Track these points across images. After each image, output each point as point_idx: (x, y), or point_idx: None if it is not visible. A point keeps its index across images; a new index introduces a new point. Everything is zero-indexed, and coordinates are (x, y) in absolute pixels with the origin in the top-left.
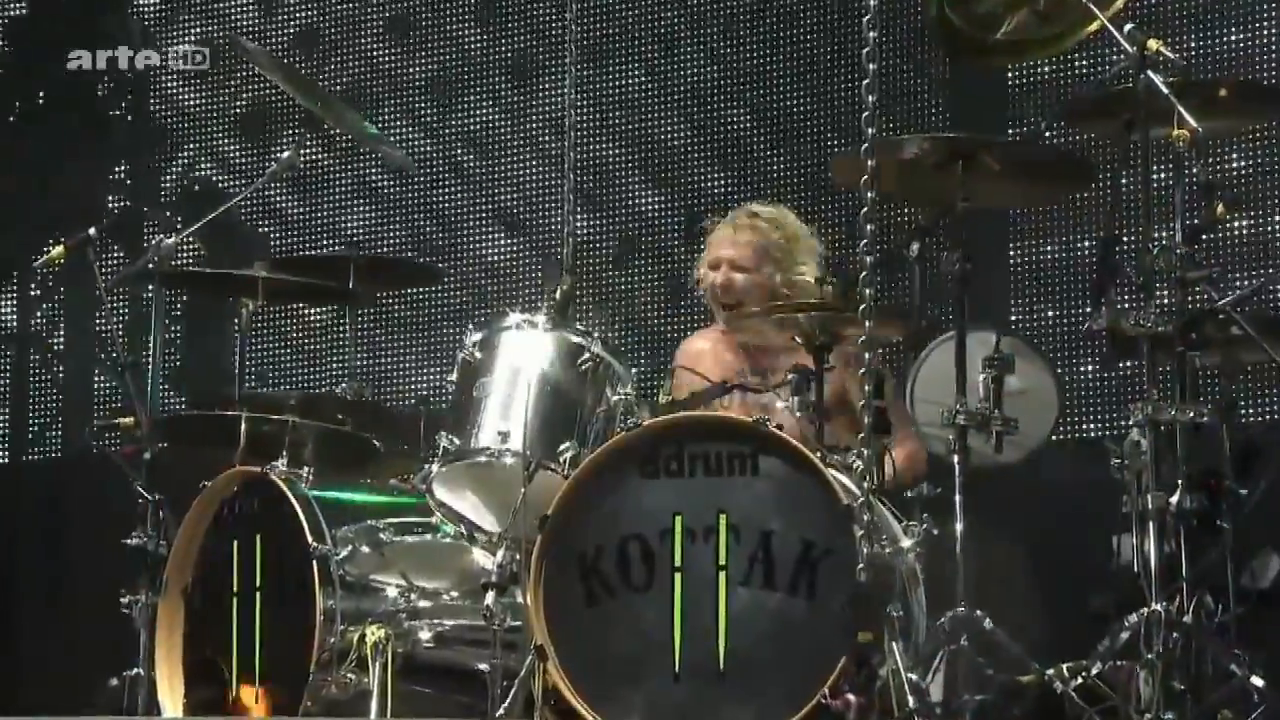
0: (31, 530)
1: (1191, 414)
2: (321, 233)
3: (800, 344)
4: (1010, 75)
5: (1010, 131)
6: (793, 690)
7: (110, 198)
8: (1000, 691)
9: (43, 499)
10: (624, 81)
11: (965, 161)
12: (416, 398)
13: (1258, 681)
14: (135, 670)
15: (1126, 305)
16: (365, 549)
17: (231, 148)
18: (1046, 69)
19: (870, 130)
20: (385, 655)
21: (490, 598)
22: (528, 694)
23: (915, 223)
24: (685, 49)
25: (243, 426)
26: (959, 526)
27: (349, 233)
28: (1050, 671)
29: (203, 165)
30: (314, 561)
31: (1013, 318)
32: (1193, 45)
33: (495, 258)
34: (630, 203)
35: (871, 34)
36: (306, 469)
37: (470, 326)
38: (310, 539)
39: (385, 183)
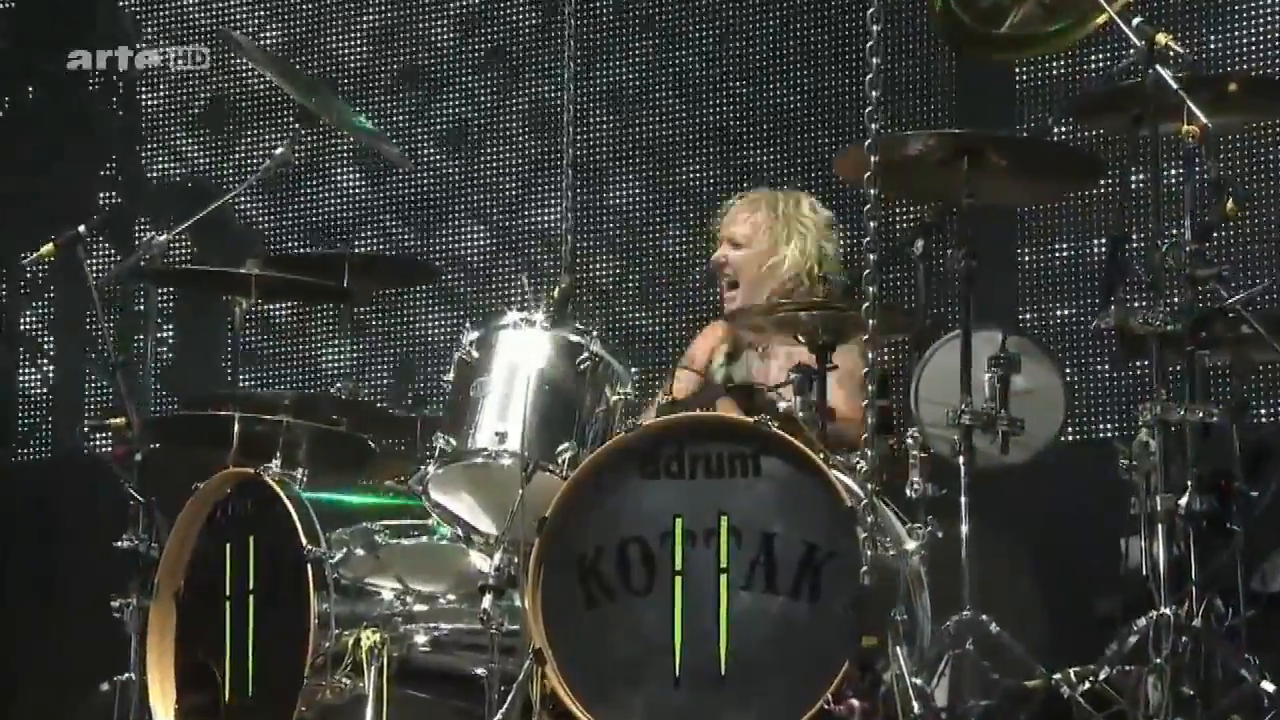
0: (21, 532)
1: (1201, 414)
2: (315, 230)
3: (803, 342)
4: (1018, 71)
5: (1018, 128)
6: (795, 695)
7: (100, 194)
8: (1006, 696)
9: (32, 500)
10: (624, 78)
11: (971, 158)
12: (412, 398)
13: (1268, 686)
14: (126, 675)
15: (1135, 304)
16: (360, 552)
17: (223, 144)
18: (1055, 64)
19: (874, 126)
20: (381, 660)
21: (487, 601)
22: (526, 699)
23: (920, 220)
24: (685, 45)
25: (236, 427)
26: (964, 528)
27: (343, 230)
28: (1057, 676)
29: (194, 162)
30: (308, 564)
31: (1024, 316)
32: (1211, 39)
33: (493, 255)
34: (630, 202)
35: (875, 27)
36: (300, 470)
37: (467, 325)
38: (304, 541)
39: (380, 179)
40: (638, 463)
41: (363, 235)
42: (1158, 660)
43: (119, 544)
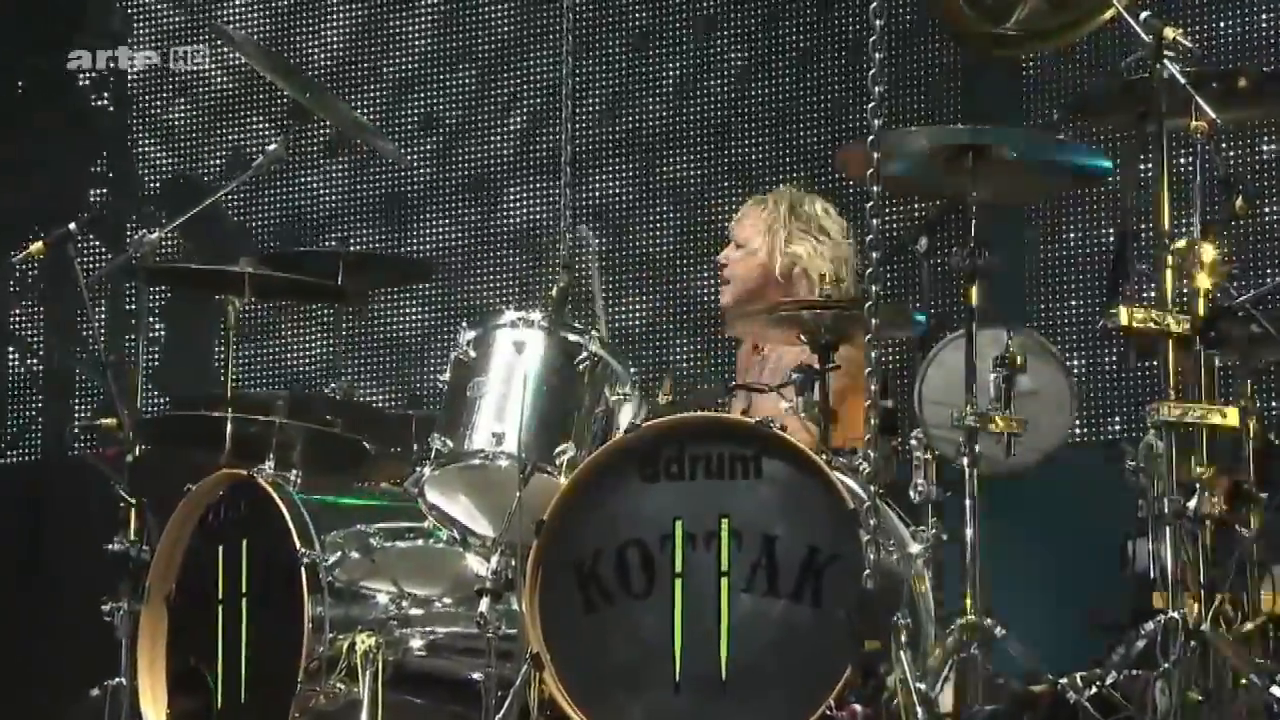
0: (10, 535)
1: (1210, 415)
2: (310, 228)
3: (804, 342)
4: (1024, 66)
5: (1024, 124)
6: (797, 701)
7: (91, 191)
8: (1012, 701)
9: (21, 502)
10: (623, 74)
11: (976, 155)
12: (408, 398)
13: (1278, 692)
14: (117, 680)
15: (1142, 302)
16: (355, 554)
17: (216, 140)
18: (1061, 59)
19: (876, 122)
20: (376, 664)
21: (484, 605)
22: (523, 704)
23: (924, 217)
24: (685, 39)
25: (228, 428)
26: (969, 531)
27: (338, 228)
28: (1063, 681)
29: (186, 158)
30: (302, 567)
31: (1035, 310)
32: (1220, 33)
33: (490, 253)
34: (629, 200)
35: (878, 22)
36: (294, 472)
37: (464, 324)
38: (298, 544)
39: (375, 176)
40: (637, 464)
41: (355, 232)
42: (1165, 665)
43: (110, 547)
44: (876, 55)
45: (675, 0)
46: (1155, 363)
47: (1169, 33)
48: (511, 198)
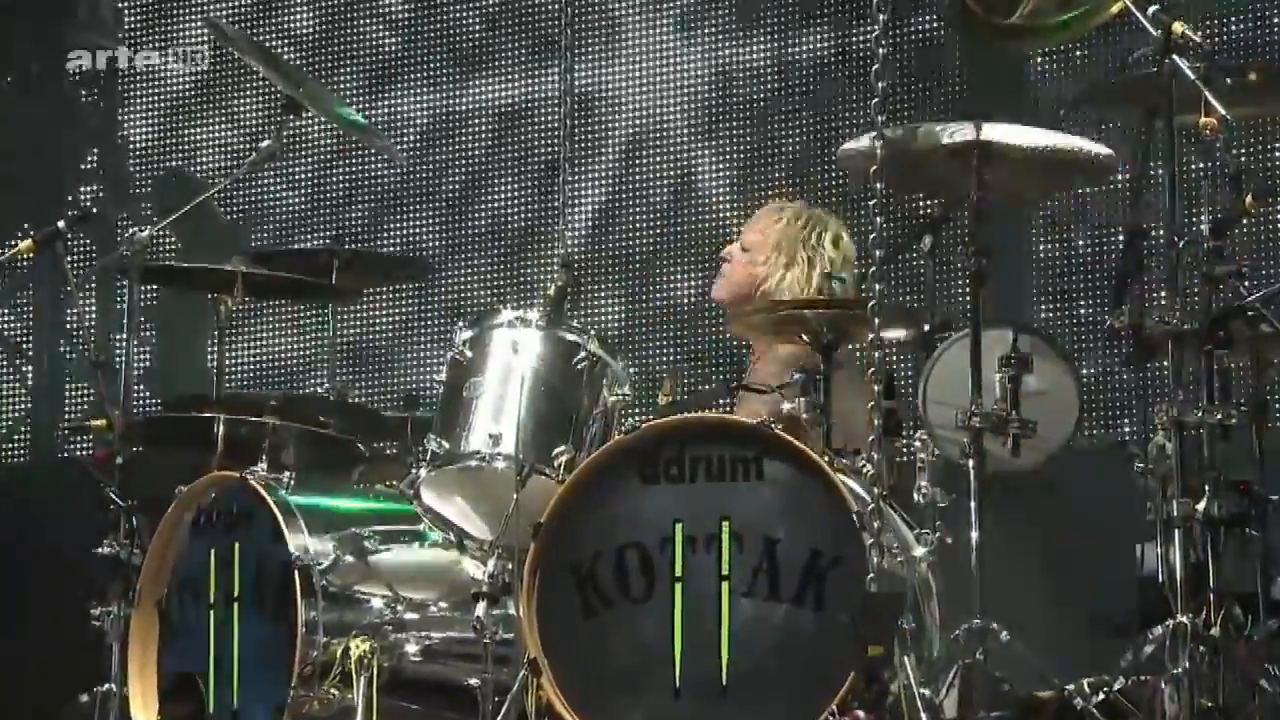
0: None
1: (1219, 416)
2: (304, 226)
3: (806, 341)
4: (1031, 61)
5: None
6: (799, 707)
7: (81, 189)
8: (1018, 708)
9: (10, 505)
10: (621, 69)
11: (981, 151)
12: (403, 398)
13: None
14: (107, 686)
15: (1151, 302)
16: (349, 558)
17: (208, 136)
18: (1069, 54)
19: (880, 118)
20: (370, 670)
21: (481, 609)
22: (520, 710)
23: (928, 215)
24: (685, 35)
25: (220, 429)
26: (974, 534)
27: (332, 226)
28: (1070, 687)
29: (178, 154)
30: (295, 571)
31: (1039, 312)
32: (1230, 27)
33: (487, 251)
34: (629, 196)
35: (882, 16)
36: (287, 473)
37: (460, 323)
38: (291, 547)
39: (370, 173)
40: (636, 466)
41: (350, 230)
42: (1175, 670)
43: (99, 550)
44: (880, 50)
45: None
46: (1164, 363)
47: (1178, 27)
48: (509, 195)
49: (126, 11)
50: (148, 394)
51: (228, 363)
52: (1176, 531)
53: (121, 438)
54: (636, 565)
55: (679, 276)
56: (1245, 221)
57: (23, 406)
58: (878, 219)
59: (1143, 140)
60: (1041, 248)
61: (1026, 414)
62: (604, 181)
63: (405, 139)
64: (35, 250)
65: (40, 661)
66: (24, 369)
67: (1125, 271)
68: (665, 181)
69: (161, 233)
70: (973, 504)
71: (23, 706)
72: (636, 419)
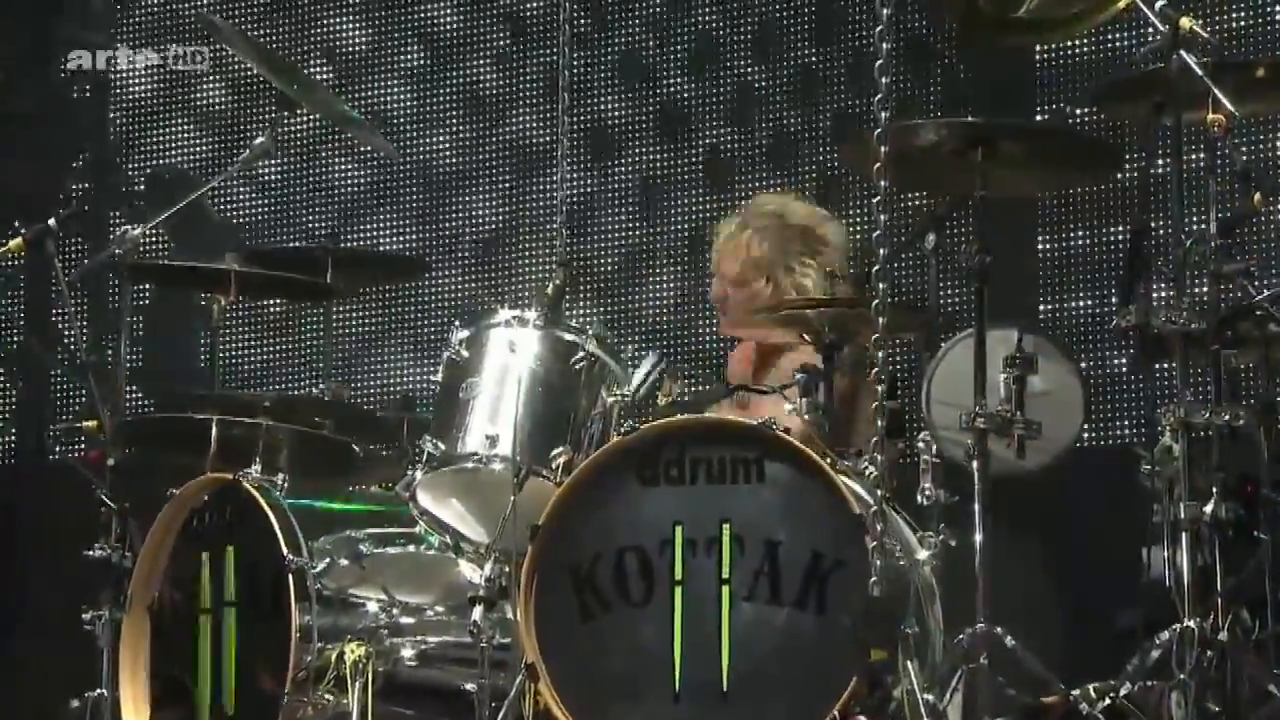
0: None
1: (1227, 417)
2: (298, 224)
3: (809, 341)
4: (1039, 57)
5: (1038, 116)
6: (800, 712)
7: (72, 186)
8: (1022, 713)
9: None
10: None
11: (985, 148)
12: (399, 399)
13: None
14: (98, 691)
15: (1157, 301)
16: (344, 561)
17: (201, 133)
18: (1077, 50)
19: (884, 114)
20: (365, 675)
21: (478, 613)
22: (518, 716)
23: (931, 212)
24: (684, 29)
25: (213, 430)
26: (978, 537)
27: (327, 224)
28: (1076, 692)
29: (170, 151)
30: (289, 575)
31: (1041, 311)
32: (1239, 22)
33: (484, 250)
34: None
35: (885, 10)
36: (281, 476)
37: (456, 323)
38: (285, 550)
39: (366, 170)
40: (636, 467)
41: (344, 229)
42: (1182, 676)
43: (90, 553)
44: (884, 45)
45: None
46: (1171, 364)
47: (1185, 23)
48: (507, 193)
49: (118, 6)
50: (139, 395)
51: (221, 363)
52: (1183, 534)
53: (113, 439)
54: (636, 568)
55: (678, 275)
56: (1253, 219)
57: (12, 407)
58: (882, 216)
59: (1149, 137)
60: (1046, 247)
61: (1031, 415)
62: (603, 179)
63: (401, 135)
64: (25, 248)
65: (31, 666)
66: (13, 369)
67: (1131, 270)
68: (664, 179)
69: (153, 231)
70: (977, 506)
71: (13, 711)
72: (635, 420)
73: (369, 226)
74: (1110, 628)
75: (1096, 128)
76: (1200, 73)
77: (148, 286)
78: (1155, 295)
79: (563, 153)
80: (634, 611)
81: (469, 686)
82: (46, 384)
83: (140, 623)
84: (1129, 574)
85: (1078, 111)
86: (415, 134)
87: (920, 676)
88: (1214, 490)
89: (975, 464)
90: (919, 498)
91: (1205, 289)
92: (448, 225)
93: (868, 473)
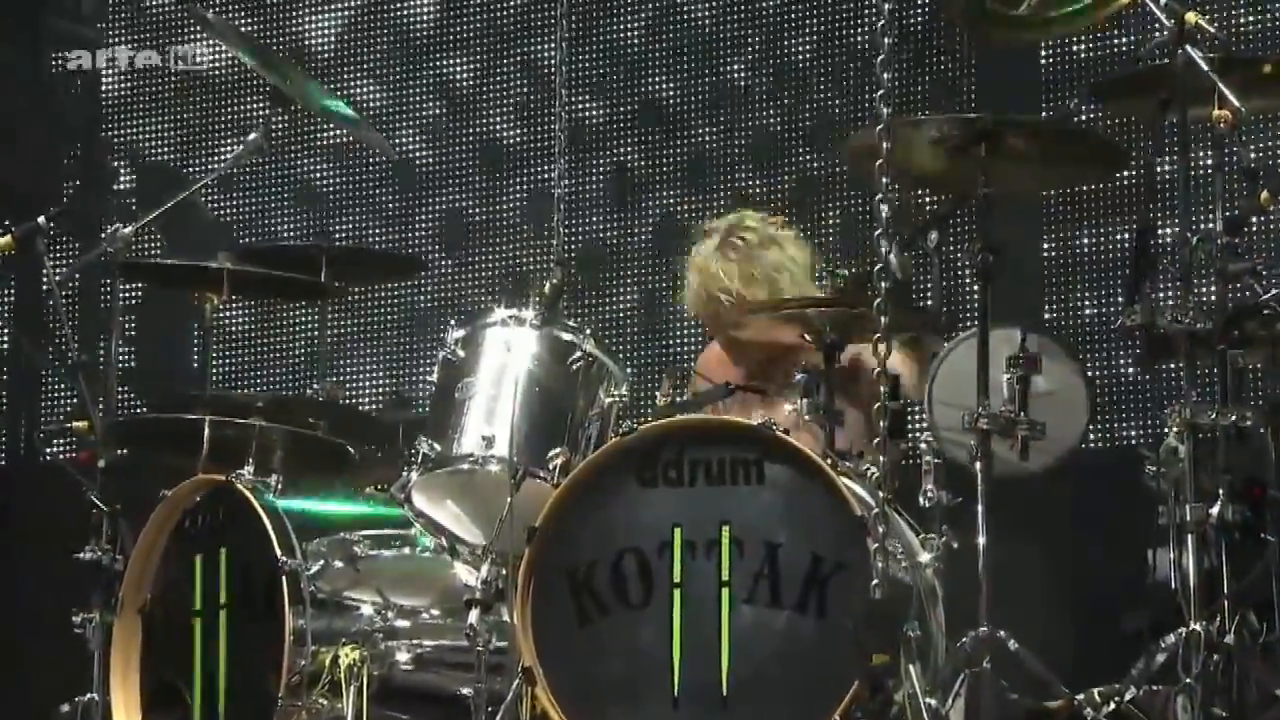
0: None
1: (1234, 418)
2: (292, 222)
3: (810, 341)
4: (1044, 55)
5: (1043, 114)
6: (801, 716)
7: (63, 184)
8: (1026, 718)
9: None
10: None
11: (988, 145)
12: (394, 399)
13: None
14: (89, 696)
15: (1163, 300)
16: (338, 564)
17: (194, 130)
18: (1080, 46)
19: (886, 110)
20: (360, 679)
21: (474, 616)
22: None
23: (935, 211)
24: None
25: (206, 431)
26: (981, 540)
27: (321, 222)
28: (1080, 697)
29: (162, 149)
30: (283, 577)
31: (1047, 313)
32: (1245, 18)
33: (480, 248)
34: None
35: (887, 5)
36: (275, 477)
37: (452, 322)
38: (279, 553)
39: (362, 167)
40: (634, 469)
41: (339, 227)
42: (1187, 680)
43: (81, 555)
44: (886, 41)
45: None
46: (1177, 364)
47: (1191, 17)
48: (504, 190)
49: (109, 2)
50: (131, 395)
51: (214, 363)
52: (1189, 537)
53: (104, 440)
54: (634, 571)
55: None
56: (1260, 217)
57: (1, 408)
58: (884, 214)
59: (1155, 134)
60: (1049, 247)
61: (1035, 415)
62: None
63: (396, 133)
64: (14, 247)
65: (21, 670)
66: (2, 370)
67: (1137, 269)
68: (662, 175)
69: (145, 229)
70: (980, 508)
71: (3, 716)
72: (634, 420)
73: (363, 224)
74: (1115, 631)
75: (1102, 126)
76: (1206, 68)
77: (139, 285)
78: (1161, 294)
79: (561, 149)
80: (632, 614)
81: (465, 691)
82: (37, 384)
83: (132, 626)
84: (1134, 577)
85: (1083, 109)
86: (409, 129)
87: (922, 680)
88: (1220, 492)
89: (978, 465)
90: (921, 499)
91: (1212, 288)
92: (445, 223)
93: (869, 474)
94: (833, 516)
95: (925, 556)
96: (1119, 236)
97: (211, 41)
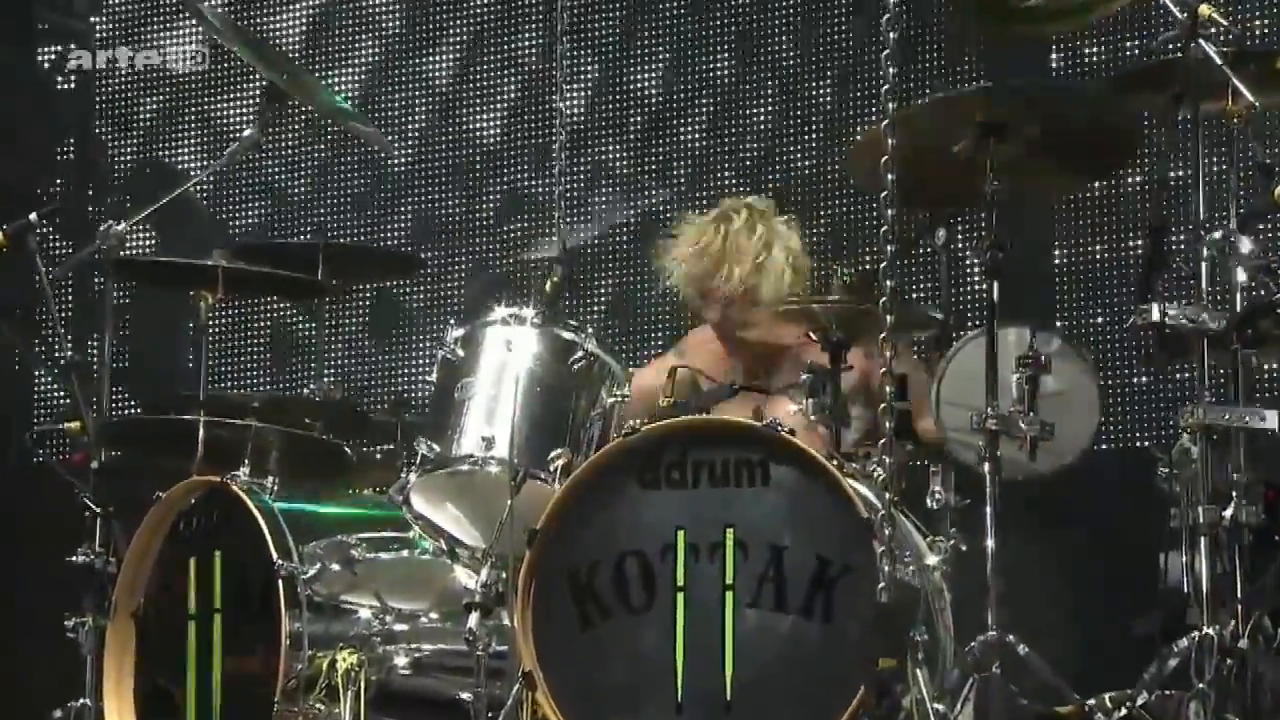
0: None
1: (1247, 418)
2: (288, 219)
3: (815, 340)
4: (1054, 51)
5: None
6: None
7: (55, 180)
8: None
9: None
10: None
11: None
12: (393, 400)
13: None
14: (82, 701)
15: (1175, 300)
16: (336, 567)
17: (188, 125)
18: (1091, 41)
19: (891, 105)
20: (358, 684)
21: (473, 620)
22: None
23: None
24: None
25: (200, 431)
26: (990, 542)
27: (318, 219)
28: (1091, 702)
29: (156, 145)
30: (279, 580)
31: (1058, 321)
32: (1258, 12)
33: (479, 246)
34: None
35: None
36: (271, 478)
37: (452, 321)
38: (275, 555)
39: (358, 164)
40: (636, 470)
41: (336, 224)
42: (1200, 685)
43: (74, 558)
44: (891, 35)
45: None
46: (1190, 364)
47: (1204, 9)
48: (502, 187)
49: None
50: (124, 395)
51: (209, 362)
52: (1202, 539)
53: (96, 441)
54: (636, 574)
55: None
56: (1275, 214)
57: None
58: (889, 211)
59: (1166, 129)
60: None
61: (1044, 416)
62: (598, 174)
63: (394, 128)
64: (6, 244)
65: (13, 675)
66: None
67: (1148, 269)
68: (661, 171)
69: (139, 226)
70: (988, 510)
71: None
72: (636, 421)
73: (361, 222)
74: (1126, 635)
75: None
76: (1219, 61)
77: (133, 283)
78: (1174, 293)
79: (561, 144)
80: (635, 618)
81: (464, 696)
82: (28, 384)
83: (125, 630)
84: (1146, 580)
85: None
86: (405, 124)
87: (930, 686)
88: (1234, 493)
89: (986, 467)
90: (929, 501)
91: (1225, 287)
92: (442, 221)
93: (875, 475)
94: (839, 519)
95: (933, 559)
96: (1132, 243)
97: (207, 35)
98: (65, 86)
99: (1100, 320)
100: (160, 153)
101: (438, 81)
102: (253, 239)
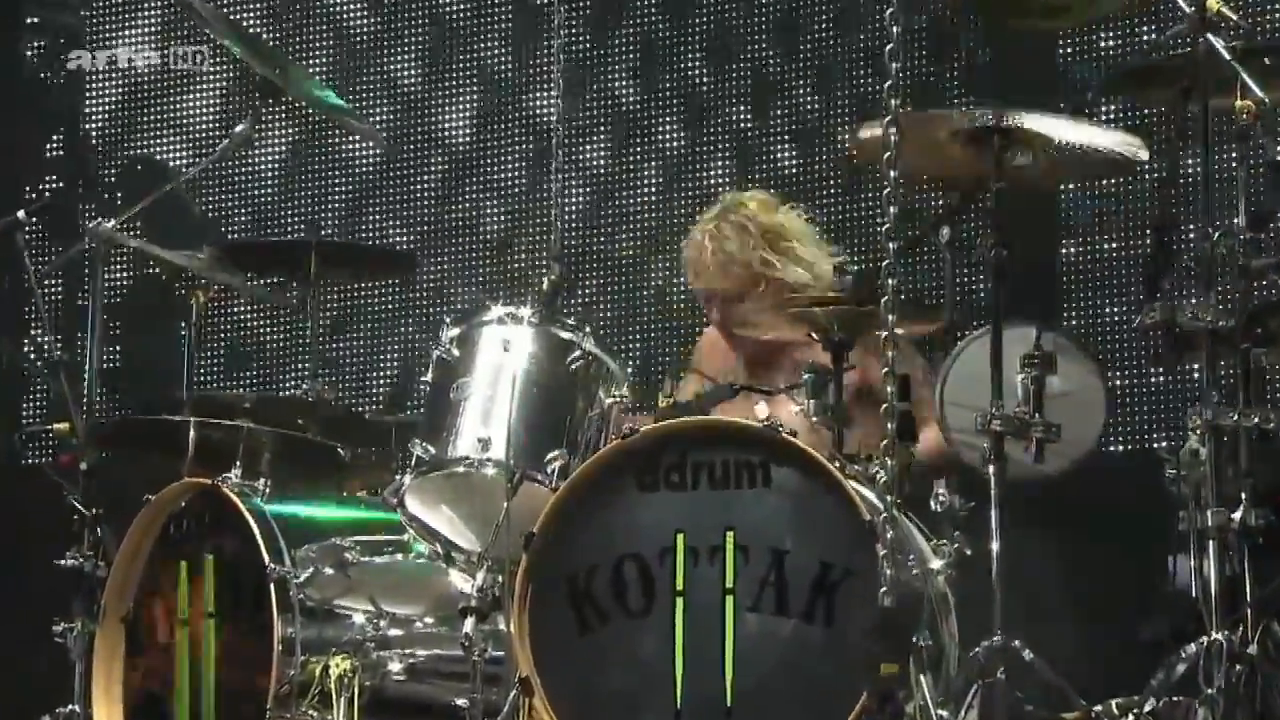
0: None
1: (1257, 419)
2: (280, 216)
3: (817, 339)
4: (1062, 46)
5: (1061, 107)
6: None
7: (45, 177)
8: None
9: None
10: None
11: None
12: (387, 400)
13: None
14: (70, 707)
15: (1184, 298)
16: (329, 570)
17: (179, 121)
18: (1101, 37)
19: (894, 101)
20: (351, 689)
21: (469, 625)
22: None
23: (946, 204)
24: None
25: (191, 432)
26: (995, 545)
27: (311, 216)
28: (1098, 708)
29: (146, 141)
30: (271, 584)
31: (1065, 320)
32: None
33: (476, 244)
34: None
35: None
36: (263, 480)
37: (447, 320)
38: (267, 558)
39: (353, 160)
40: (635, 472)
41: (330, 221)
42: (1209, 691)
43: (62, 562)
44: (895, 29)
45: None
46: (1198, 363)
47: (1213, 4)
48: (500, 185)
49: None
50: (114, 395)
51: (200, 362)
52: (1211, 542)
53: (86, 442)
54: (635, 578)
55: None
56: None
57: None
58: (891, 209)
59: (1175, 125)
60: (1068, 251)
61: (1050, 417)
62: (597, 172)
63: (388, 124)
64: None
65: (0, 680)
66: None
67: (1156, 267)
68: (660, 171)
69: (128, 224)
70: (993, 513)
71: None
72: (635, 422)
73: (355, 219)
74: (1134, 640)
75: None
76: (1228, 57)
77: (122, 282)
78: (1181, 291)
79: (559, 144)
80: (633, 623)
81: (460, 702)
82: (17, 384)
83: (114, 635)
84: (1153, 584)
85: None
86: (402, 122)
87: (934, 691)
88: (1243, 496)
89: (991, 468)
90: (932, 504)
91: (1233, 285)
92: (439, 219)
93: (878, 478)
94: (841, 522)
95: (937, 563)
96: (1140, 241)
97: (200, 30)
98: (55, 82)
99: (1110, 318)
100: (150, 150)
101: (443, 77)
102: (244, 237)
